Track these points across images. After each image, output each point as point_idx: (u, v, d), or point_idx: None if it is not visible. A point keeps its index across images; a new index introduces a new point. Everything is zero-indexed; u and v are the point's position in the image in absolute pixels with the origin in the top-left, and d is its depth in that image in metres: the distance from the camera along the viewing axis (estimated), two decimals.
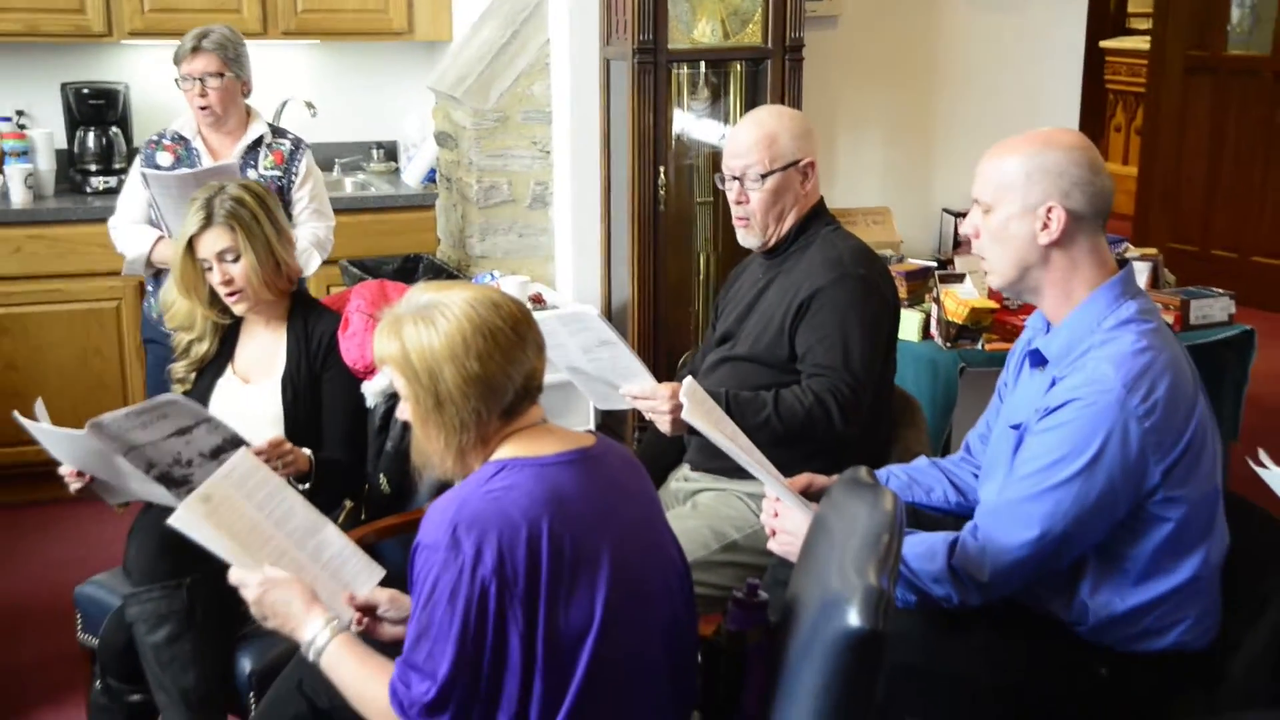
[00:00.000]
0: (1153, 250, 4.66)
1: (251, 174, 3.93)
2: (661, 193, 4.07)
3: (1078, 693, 2.38)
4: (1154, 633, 2.36)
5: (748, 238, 3.14)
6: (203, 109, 3.95)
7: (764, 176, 3.03)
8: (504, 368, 2.03)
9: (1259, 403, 5.74)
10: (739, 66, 4.17)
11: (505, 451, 2.06)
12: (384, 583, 2.39)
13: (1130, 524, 2.31)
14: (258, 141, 4.06)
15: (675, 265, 4.25)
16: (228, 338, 3.14)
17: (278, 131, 4.16)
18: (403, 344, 2.03)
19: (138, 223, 4.02)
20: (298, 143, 4.13)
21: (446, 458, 2.08)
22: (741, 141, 3.08)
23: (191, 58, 3.90)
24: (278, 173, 4.01)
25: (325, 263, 4.26)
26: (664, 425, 2.91)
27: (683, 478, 3.25)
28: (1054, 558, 2.31)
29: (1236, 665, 2.39)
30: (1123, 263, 2.44)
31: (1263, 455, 1.96)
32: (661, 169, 4.05)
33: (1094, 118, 10.65)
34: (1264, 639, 2.37)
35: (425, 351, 2.01)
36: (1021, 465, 2.33)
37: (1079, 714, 2.37)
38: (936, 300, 4.01)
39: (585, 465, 2.07)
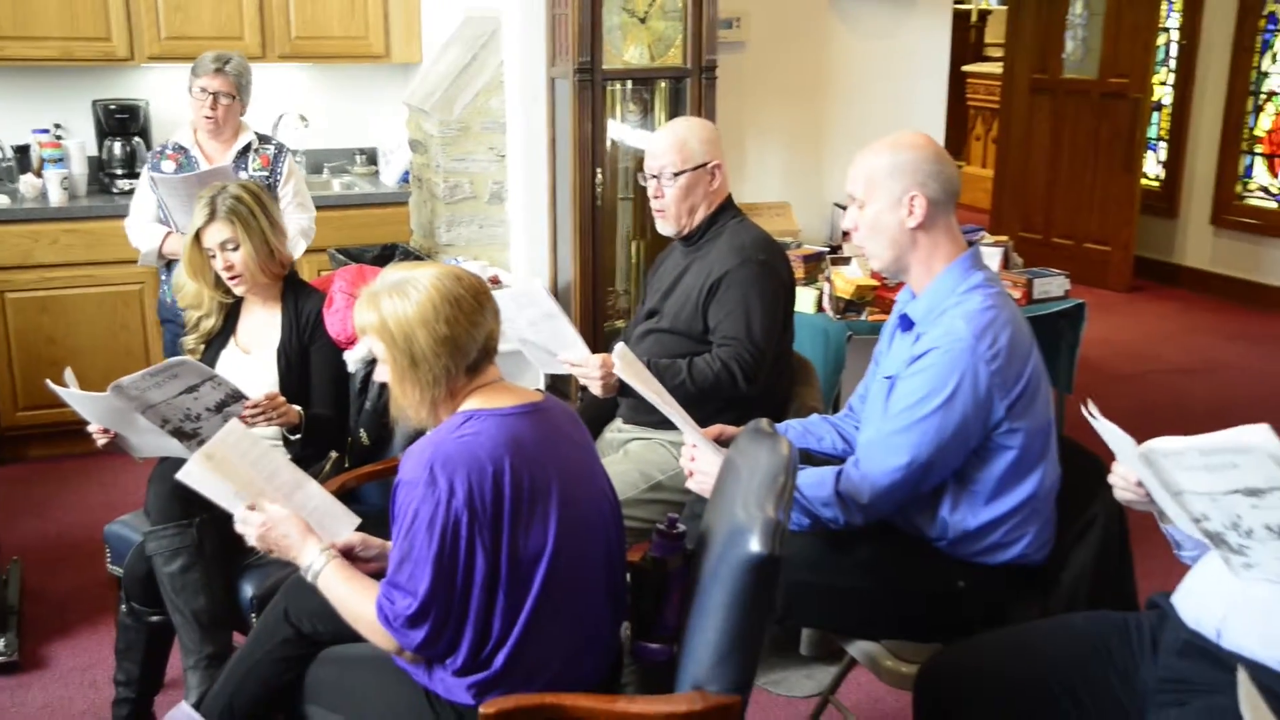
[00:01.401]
0: (1004, 237, 4.67)
1: (243, 175, 3.90)
2: (599, 190, 4.03)
3: (941, 598, 2.39)
4: (1001, 547, 2.37)
5: (664, 227, 3.13)
6: (208, 118, 3.94)
7: (676, 175, 3.01)
8: (468, 330, 2.01)
9: (1088, 363, 5.81)
10: (663, 84, 4.13)
11: (471, 404, 2.04)
12: (362, 524, 2.36)
13: (980, 452, 2.32)
14: (247, 148, 4.06)
15: (610, 251, 4.23)
16: (230, 315, 3.11)
17: (264, 139, 4.15)
18: (381, 314, 2.01)
19: (149, 221, 4.00)
20: (280, 148, 4.13)
21: (421, 410, 2.06)
22: (659, 145, 3.06)
23: (213, 76, 3.91)
24: (265, 173, 4.01)
25: (315, 250, 4.24)
26: (595, 389, 2.90)
27: (616, 429, 3.23)
28: (921, 481, 2.32)
29: (1066, 576, 2.41)
30: (971, 242, 2.45)
31: (1092, 407, 1.95)
32: (598, 170, 4.01)
33: (958, 129, 10.70)
34: (1087, 555, 2.40)
35: (401, 319, 1.99)
36: (892, 405, 2.34)
37: (942, 615, 2.38)
38: (828, 279, 4.00)
39: (537, 416, 2.05)
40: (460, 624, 1.96)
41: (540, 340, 2.95)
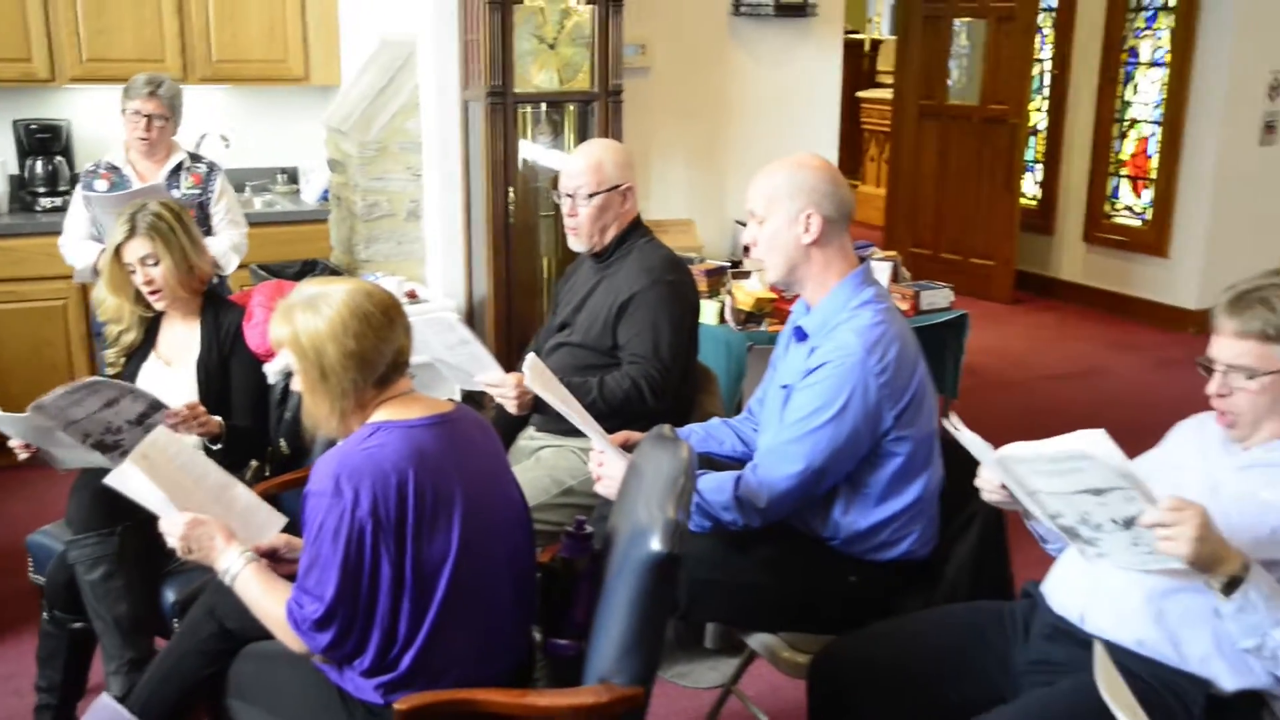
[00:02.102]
0: (894, 253, 4.75)
1: (175, 193, 3.86)
2: (511, 209, 4.03)
3: (834, 592, 2.42)
4: (889, 544, 2.41)
5: (576, 244, 3.13)
6: (142, 140, 3.90)
7: (591, 196, 3.02)
8: (377, 345, 2.00)
9: (974, 369, 5.93)
10: (572, 107, 4.14)
11: (379, 415, 2.03)
12: (285, 529, 2.34)
13: (871, 458, 2.36)
14: (179, 166, 4.01)
15: (523, 267, 4.22)
16: (151, 328, 3.05)
17: (195, 158, 4.10)
18: (294, 328, 2.00)
19: (82, 239, 3.93)
20: (212, 166, 4.08)
21: (331, 420, 2.04)
22: (575, 166, 3.07)
23: (146, 99, 3.87)
24: (197, 191, 3.96)
25: (239, 267, 4.16)
26: (511, 407, 2.92)
27: (529, 437, 3.23)
28: (815, 486, 2.35)
29: (949, 569, 2.46)
30: (862, 259, 2.49)
31: (954, 419, 2.01)
32: (511, 189, 4.01)
33: (853, 151, 10.87)
34: (968, 550, 2.46)
35: (312, 333, 1.98)
36: (788, 416, 2.37)
37: (834, 608, 2.41)
38: (729, 292, 4.04)
39: (445, 427, 2.04)
40: (366, 628, 1.96)
41: (456, 362, 2.95)
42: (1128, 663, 1.89)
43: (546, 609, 2.25)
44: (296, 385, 2.08)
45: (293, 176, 5.54)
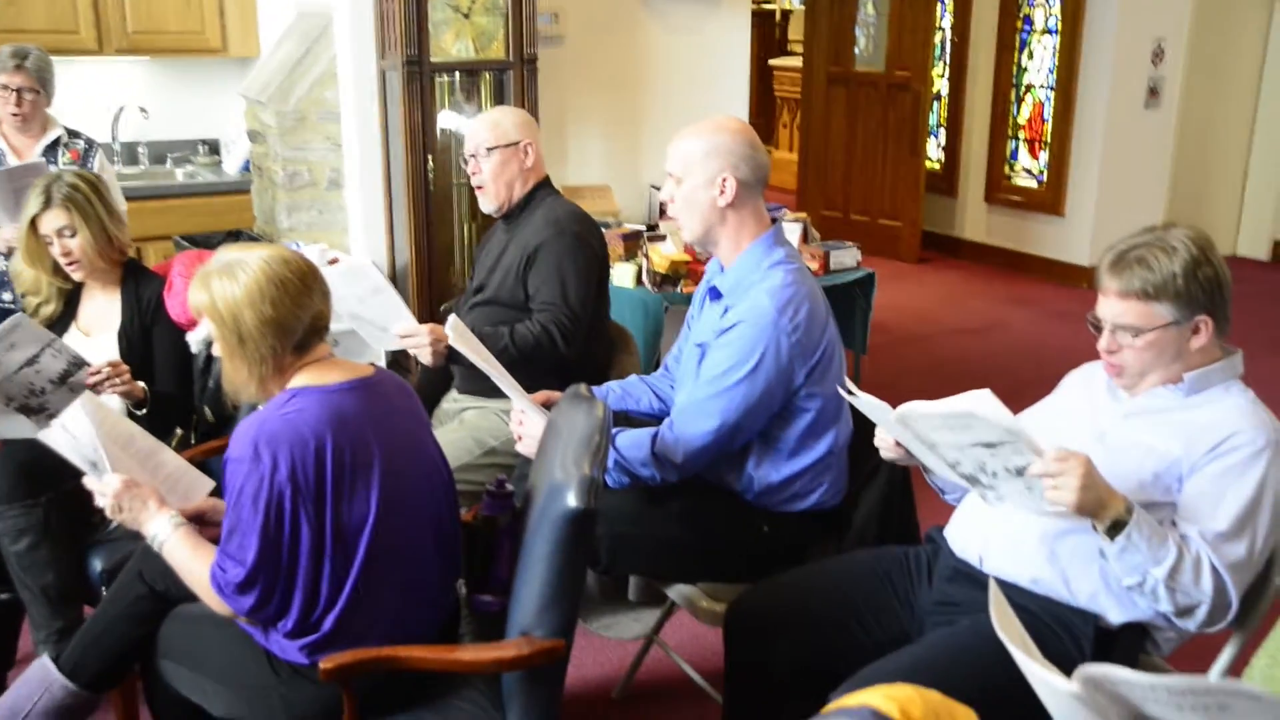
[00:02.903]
0: (804, 215, 4.77)
1: (52, 169, 3.66)
2: (430, 176, 3.97)
3: (748, 543, 2.44)
4: (800, 496, 2.43)
5: (485, 203, 3.12)
6: (14, 115, 3.72)
7: (490, 150, 3.01)
8: (294, 311, 1.96)
9: (883, 326, 6.01)
10: (488, 75, 4.08)
11: (298, 381, 1.99)
12: (212, 493, 2.29)
13: (783, 414, 2.37)
14: (55, 142, 3.84)
15: (444, 234, 4.16)
16: (71, 300, 2.96)
17: (73, 133, 3.92)
18: (211, 295, 1.95)
19: None
20: (90, 143, 3.92)
21: (250, 386, 2.00)
22: (475, 126, 3.09)
23: (13, 73, 3.67)
24: (74, 168, 3.76)
25: (160, 238, 4.06)
26: (426, 358, 2.87)
27: (452, 400, 3.20)
28: (729, 442, 2.35)
29: (857, 518, 2.49)
30: (774, 220, 2.49)
31: (849, 384, 2.03)
32: (429, 157, 3.95)
33: (767, 117, 10.91)
34: (875, 499, 2.48)
35: (229, 300, 1.93)
36: (703, 374, 2.37)
37: (749, 558, 2.43)
38: (646, 255, 4.03)
39: (363, 391, 2.01)
40: (288, 590, 1.93)
41: (371, 316, 2.90)
42: (1022, 600, 1.93)
43: (470, 566, 2.24)
44: (217, 352, 2.03)
45: (214, 148, 5.40)
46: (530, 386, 2.60)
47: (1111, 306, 1.96)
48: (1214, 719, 1.11)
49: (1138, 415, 1.99)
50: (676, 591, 2.50)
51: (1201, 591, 1.81)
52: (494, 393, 2.85)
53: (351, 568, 1.93)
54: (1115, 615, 1.93)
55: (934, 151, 7.86)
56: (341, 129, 4.37)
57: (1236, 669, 1.97)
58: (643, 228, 4.38)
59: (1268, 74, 7.52)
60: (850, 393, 2.01)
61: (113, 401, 2.73)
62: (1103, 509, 1.79)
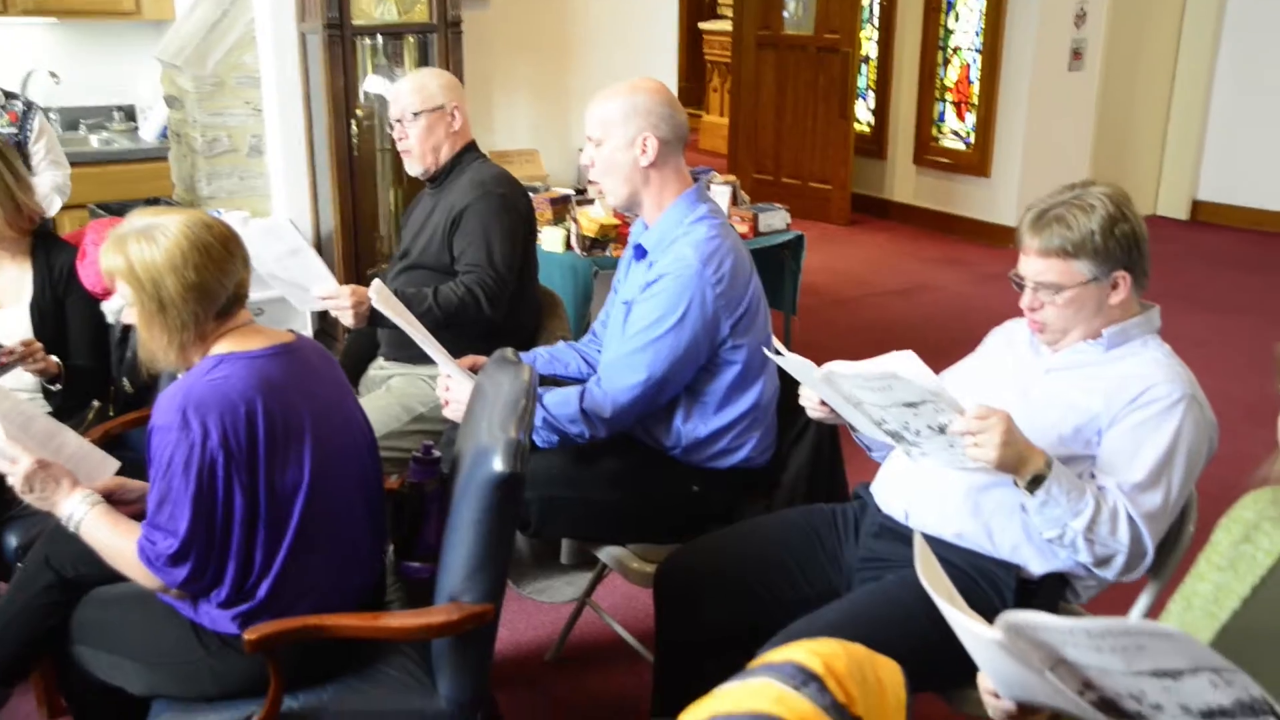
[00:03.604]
0: (732, 177, 4.77)
1: None
2: (354, 142, 3.90)
3: (678, 502, 2.44)
4: (728, 451, 2.44)
5: (411, 167, 3.08)
6: None
7: (417, 115, 2.97)
8: (217, 277, 1.91)
9: (814, 288, 6.05)
10: (411, 38, 4.01)
11: (221, 347, 1.94)
12: (127, 469, 2.23)
13: (709, 366, 2.38)
14: None
15: (369, 200, 4.11)
16: None
17: (10, 95, 3.81)
18: (128, 258, 1.88)
19: None
20: (29, 104, 3.81)
21: (170, 353, 1.94)
22: (400, 90, 3.03)
23: None
24: (13, 130, 3.69)
25: (75, 206, 3.95)
26: (348, 320, 2.84)
27: (379, 366, 3.17)
28: (657, 395, 2.36)
29: (786, 476, 2.51)
30: (697, 179, 2.49)
31: (775, 343, 2.03)
32: (352, 122, 3.88)
33: (697, 81, 10.87)
34: (803, 457, 2.50)
35: (149, 264, 1.87)
36: (630, 328, 2.37)
37: (679, 518, 2.43)
38: (574, 220, 4.00)
39: (287, 357, 1.97)
40: (222, 559, 1.89)
41: (290, 277, 2.85)
42: (947, 554, 1.95)
43: (398, 533, 2.22)
44: (128, 317, 1.97)
45: (130, 114, 5.26)
46: (458, 352, 2.58)
47: (1033, 264, 1.98)
48: (1131, 659, 1.13)
49: (1058, 370, 2.02)
50: (607, 553, 2.49)
51: (1118, 541, 1.85)
52: (421, 359, 2.82)
53: (286, 534, 1.90)
54: (1036, 566, 1.96)
55: (863, 114, 7.90)
56: (262, 94, 4.28)
57: (1153, 615, 2.02)
58: (571, 192, 4.34)
59: (1186, 37, 7.64)
60: (778, 353, 2.01)
61: (26, 379, 2.65)
62: (1023, 464, 1.81)
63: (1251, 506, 1.54)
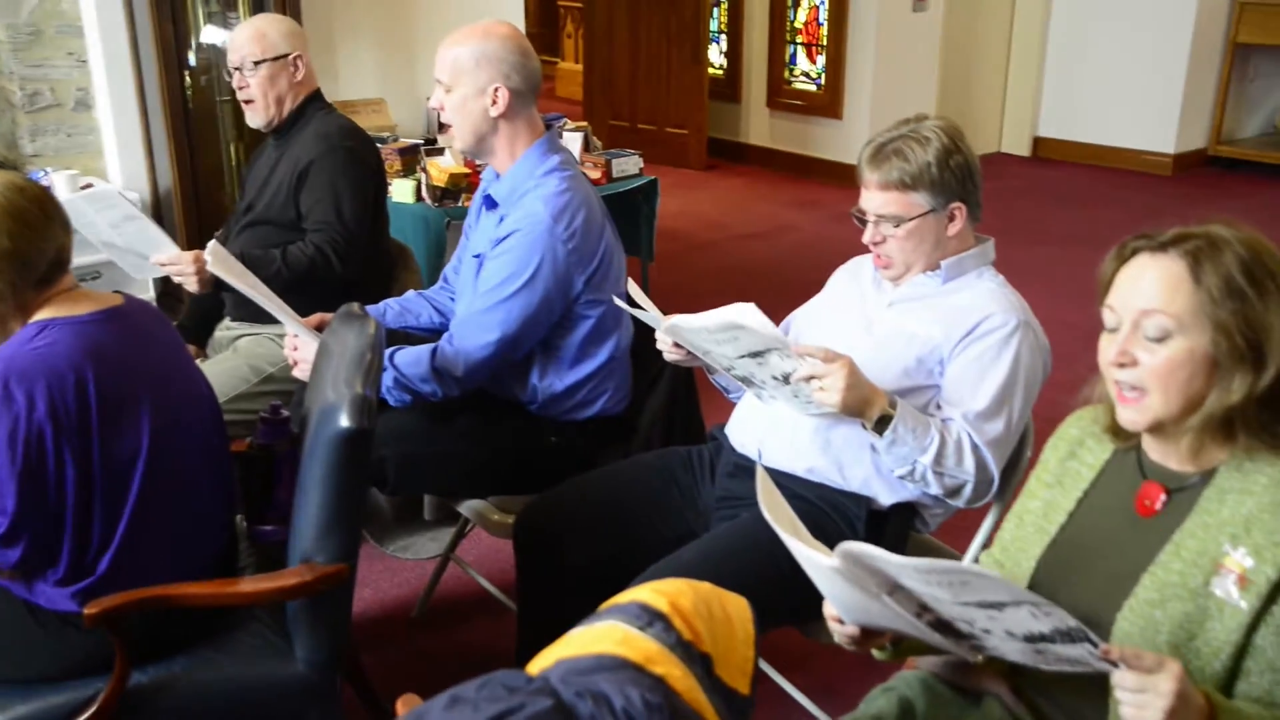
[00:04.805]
0: (585, 124, 4.72)
1: None
2: (189, 94, 3.73)
3: (536, 454, 2.43)
4: (585, 404, 2.43)
5: (253, 119, 2.96)
6: None
7: (258, 64, 2.85)
8: (35, 244, 1.81)
9: (673, 233, 6.07)
10: None
11: (44, 314, 1.84)
12: None
13: (563, 322, 2.36)
14: None
15: (209, 155, 3.95)
16: None
17: None
18: None
19: None
20: None
21: None
22: (239, 38, 2.89)
23: None
24: None
25: None
26: (192, 285, 2.73)
27: (225, 328, 3.06)
28: (510, 352, 2.33)
29: (642, 422, 2.52)
30: (549, 127, 2.45)
31: (633, 287, 2.03)
32: (186, 73, 3.71)
33: (551, 28, 10.74)
34: (659, 402, 2.52)
35: None
36: (481, 285, 2.33)
37: (539, 469, 2.42)
38: (424, 170, 3.91)
39: (118, 322, 1.88)
40: (57, 536, 1.81)
41: (126, 244, 2.72)
42: (800, 489, 1.99)
43: (249, 497, 2.16)
44: None
45: None
46: (309, 310, 2.51)
47: (873, 198, 2.02)
48: (958, 592, 1.18)
49: (900, 303, 2.06)
50: (467, 507, 2.47)
51: (965, 471, 1.90)
52: (268, 318, 2.72)
53: (125, 505, 1.83)
54: (886, 497, 2.01)
55: (716, 58, 7.91)
56: (86, 44, 4.05)
57: (995, 536, 2.09)
58: (420, 142, 4.25)
59: None
60: (631, 303, 2.01)
61: None
62: (867, 407, 1.85)
63: (1075, 425, 1.61)
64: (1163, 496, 1.44)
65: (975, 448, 1.91)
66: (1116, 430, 1.48)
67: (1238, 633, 1.31)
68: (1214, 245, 1.36)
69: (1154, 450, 1.47)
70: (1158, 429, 1.42)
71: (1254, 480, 1.37)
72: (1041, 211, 6.71)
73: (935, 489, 1.92)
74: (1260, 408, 1.35)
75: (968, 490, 1.93)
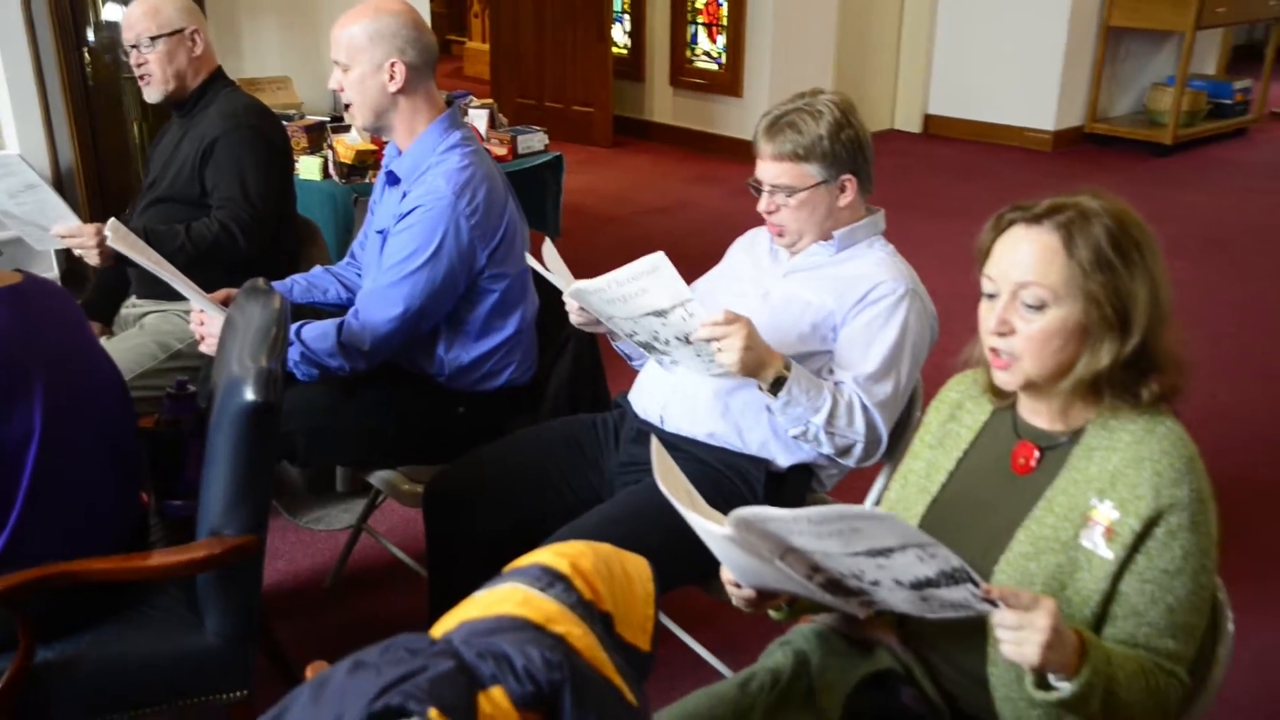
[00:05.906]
0: (490, 100, 4.67)
1: None
2: (88, 70, 3.59)
3: (445, 425, 2.41)
4: (492, 375, 2.42)
5: (151, 94, 2.87)
6: None
7: (154, 39, 2.76)
8: None
9: (579, 209, 6.04)
10: None
11: None
12: None
13: (469, 296, 2.34)
14: None
15: (113, 133, 3.81)
16: None
17: None
18: None
19: None
20: None
21: None
22: (133, 14, 2.80)
23: None
24: None
25: None
26: (93, 259, 2.65)
27: (131, 304, 2.97)
28: (416, 327, 2.30)
29: (549, 391, 2.51)
30: (450, 103, 2.41)
31: (547, 246, 2.01)
32: (86, 51, 3.57)
33: (458, 7, 10.56)
34: (565, 371, 2.51)
35: None
36: (385, 260, 2.30)
37: (448, 440, 2.40)
38: (331, 147, 3.83)
39: (13, 300, 1.79)
40: None
41: (27, 215, 2.63)
42: (701, 454, 2.01)
43: (157, 473, 2.10)
44: None
45: None
46: (216, 286, 2.45)
47: (768, 169, 2.03)
48: (848, 541, 1.19)
49: (795, 272, 2.08)
50: (378, 478, 2.44)
51: (855, 431, 1.93)
52: (174, 295, 2.65)
53: (18, 489, 1.75)
54: (783, 459, 2.04)
55: (620, 37, 7.86)
56: None
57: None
58: (326, 119, 4.16)
59: None
60: (536, 265, 1.99)
61: None
62: (764, 368, 1.86)
63: (956, 387, 1.64)
64: (1036, 454, 1.48)
65: (865, 409, 1.94)
66: (994, 389, 1.52)
67: (1105, 581, 1.36)
68: (1084, 217, 1.40)
69: (1027, 410, 1.51)
70: (1030, 388, 1.45)
71: (1118, 438, 1.41)
72: (931, 185, 6.83)
73: (828, 448, 1.94)
74: (1124, 370, 1.40)
75: (858, 450, 1.96)
